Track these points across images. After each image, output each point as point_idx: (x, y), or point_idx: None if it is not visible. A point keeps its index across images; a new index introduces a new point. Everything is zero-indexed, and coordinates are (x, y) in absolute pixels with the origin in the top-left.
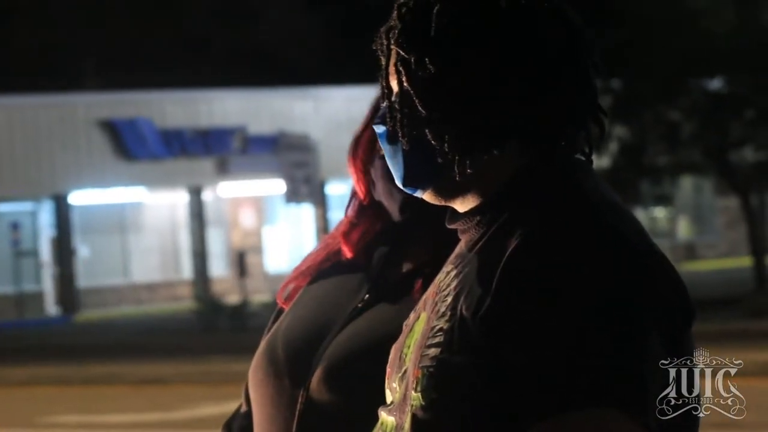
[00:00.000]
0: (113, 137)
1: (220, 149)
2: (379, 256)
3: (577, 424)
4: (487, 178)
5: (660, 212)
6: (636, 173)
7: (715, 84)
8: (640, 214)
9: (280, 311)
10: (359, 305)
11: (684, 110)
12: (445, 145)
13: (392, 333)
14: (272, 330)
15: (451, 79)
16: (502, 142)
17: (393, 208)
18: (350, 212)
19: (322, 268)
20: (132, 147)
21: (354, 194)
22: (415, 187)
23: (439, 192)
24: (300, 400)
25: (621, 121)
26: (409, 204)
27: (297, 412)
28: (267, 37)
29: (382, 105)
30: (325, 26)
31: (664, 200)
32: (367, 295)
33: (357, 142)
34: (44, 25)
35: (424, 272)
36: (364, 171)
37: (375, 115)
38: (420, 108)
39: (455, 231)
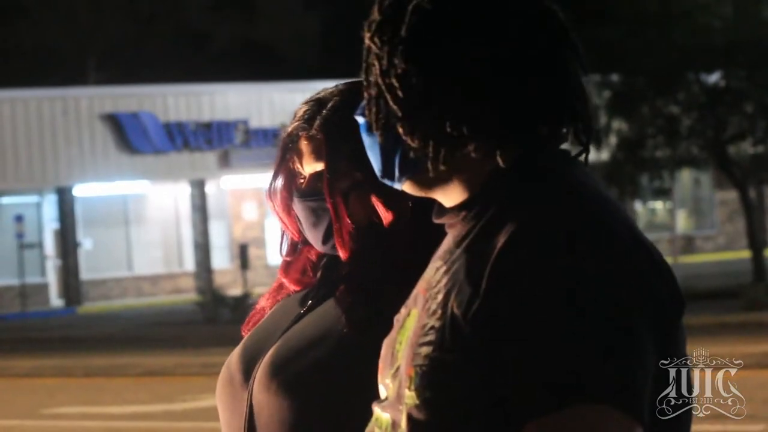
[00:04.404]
0: (116, 131)
1: (223, 142)
2: (321, 266)
3: (570, 421)
4: (470, 172)
5: (659, 205)
6: (635, 167)
7: (714, 78)
8: (639, 208)
9: None
10: (302, 311)
11: (682, 104)
12: (416, 141)
13: (327, 330)
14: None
15: (421, 76)
16: (476, 139)
17: (316, 241)
18: (285, 252)
19: (278, 298)
20: (135, 140)
21: (284, 233)
22: (392, 179)
23: (417, 184)
24: (246, 402)
25: (620, 115)
26: (330, 235)
27: (245, 414)
28: (268, 31)
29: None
30: (326, 20)
31: (662, 194)
32: (310, 301)
33: (273, 185)
34: (47, 20)
35: (361, 271)
36: (287, 211)
37: (284, 157)
38: (391, 103)
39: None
